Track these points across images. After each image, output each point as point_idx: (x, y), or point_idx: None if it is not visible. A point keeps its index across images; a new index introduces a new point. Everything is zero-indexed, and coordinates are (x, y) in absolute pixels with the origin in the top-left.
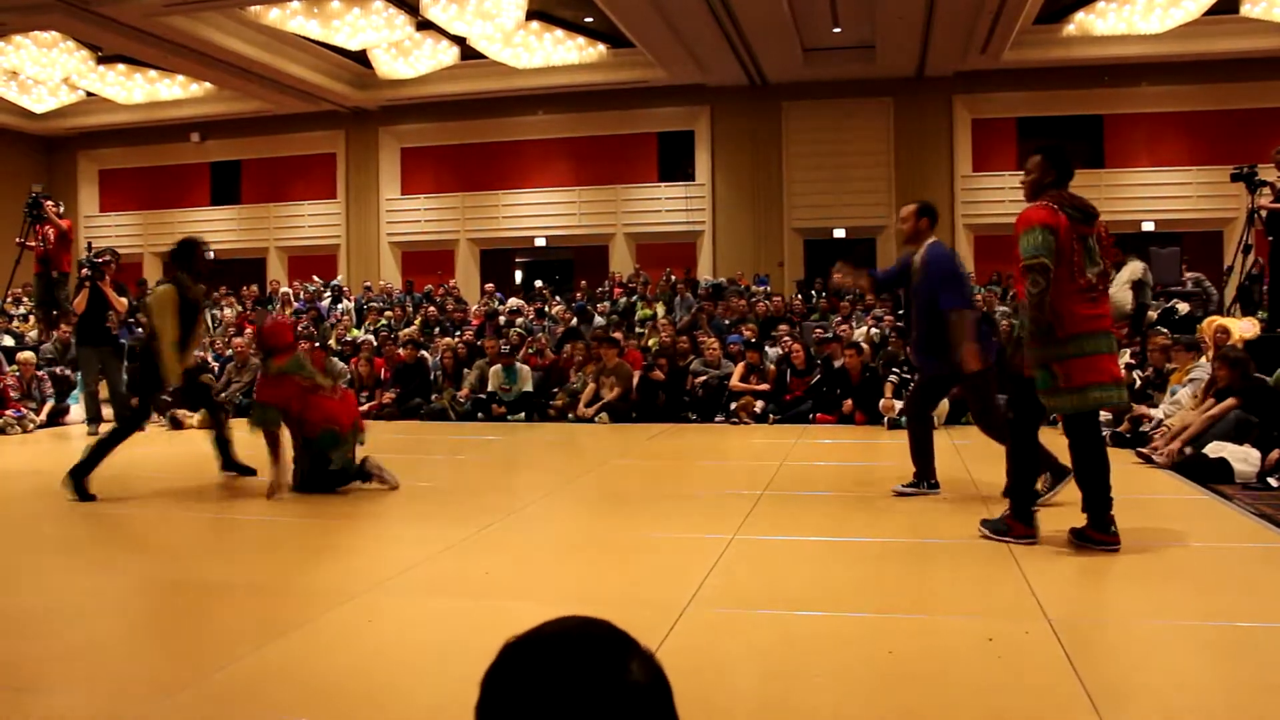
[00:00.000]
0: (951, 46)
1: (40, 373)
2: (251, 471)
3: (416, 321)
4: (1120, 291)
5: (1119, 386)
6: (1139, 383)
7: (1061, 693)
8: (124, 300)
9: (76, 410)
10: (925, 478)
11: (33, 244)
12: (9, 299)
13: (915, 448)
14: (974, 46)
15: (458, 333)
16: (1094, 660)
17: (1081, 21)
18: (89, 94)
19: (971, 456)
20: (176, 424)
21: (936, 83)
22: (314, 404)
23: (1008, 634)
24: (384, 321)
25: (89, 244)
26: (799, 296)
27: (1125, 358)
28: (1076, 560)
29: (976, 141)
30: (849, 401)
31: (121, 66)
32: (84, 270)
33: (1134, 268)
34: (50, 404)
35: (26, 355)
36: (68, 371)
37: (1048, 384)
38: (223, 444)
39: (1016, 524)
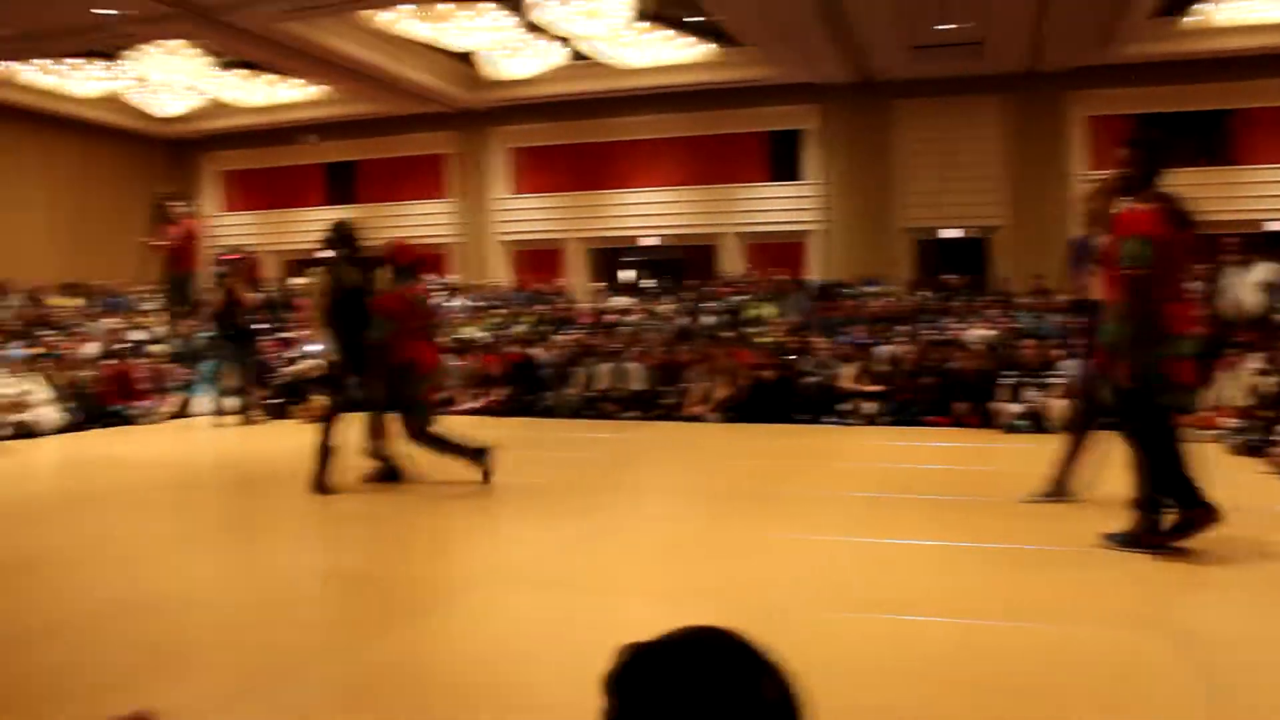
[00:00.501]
0: (1065, 41)
1: (169, 366)
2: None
3: (528, 320)
4: (1249, 294)
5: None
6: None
7: (1188, 711)
8: (256, 296)
9: (198, 403)
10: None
11: (160, 243)
12: (140, 295)
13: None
14: (1089, 41)
15: (568, 331)
16: (1224, 678)
17: (1203, 12)
18: (212, 99)
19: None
20: (280, 414)
21: (1050, 78)
22: (416, 339)
23: (1131, 647)
24: (495, 320)
25: (223, 243)
26: (912, 296)
27: (1255, 363)
28: (1205, 572)
29: (1093, 139)
30: (962, 404)
31: (243, 71)
32: (220, 269)
33: (1265, 269)
34: (177, 396)
35: (157, 349)
36: (193, 365)
37: (1163, 383)
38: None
39: (1147, 535)
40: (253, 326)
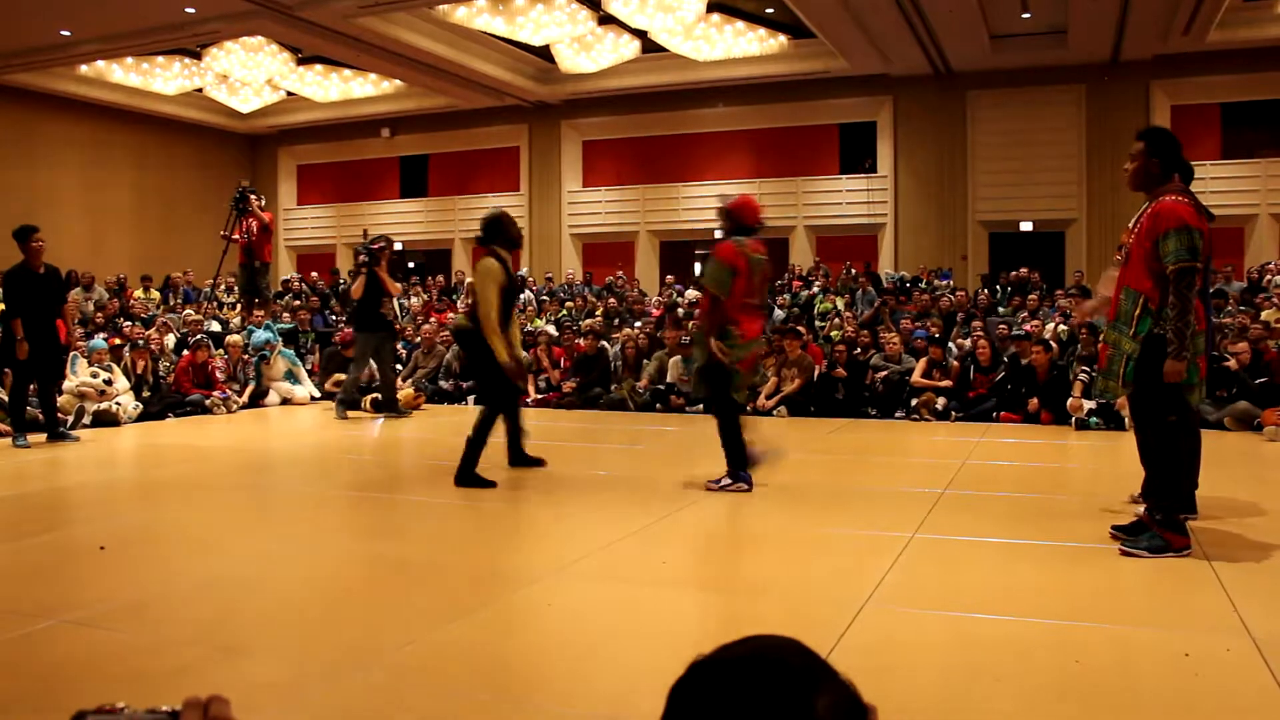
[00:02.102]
0: (1150, 28)
1: (246, 355)
2: (540, 463)
3: (598, 313)
4: None
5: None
6: None
7: (1266, 715)
8: (399, 285)
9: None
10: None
11: (236, 236)
12: (219, 287)
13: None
14: (1175, 28)
15: (638, 324)
16: None
17: None
18: (289, 93)
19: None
20: (353, 405)
21: (1133, 67)
22: (743, 302)
23: (1207, 650)
24: (565, 312)
25: (364, 231)
26: (984, 291)
27: None
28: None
29: (1176, 129)
30: (1035, 400)
31: (319, 67)
32: (361, 257)
33: None
34: (252, 386)
35: (235, 339)
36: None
37: (1192, 380)
38: (515, 435)
39: (1174, 535)
40: (319, 319)
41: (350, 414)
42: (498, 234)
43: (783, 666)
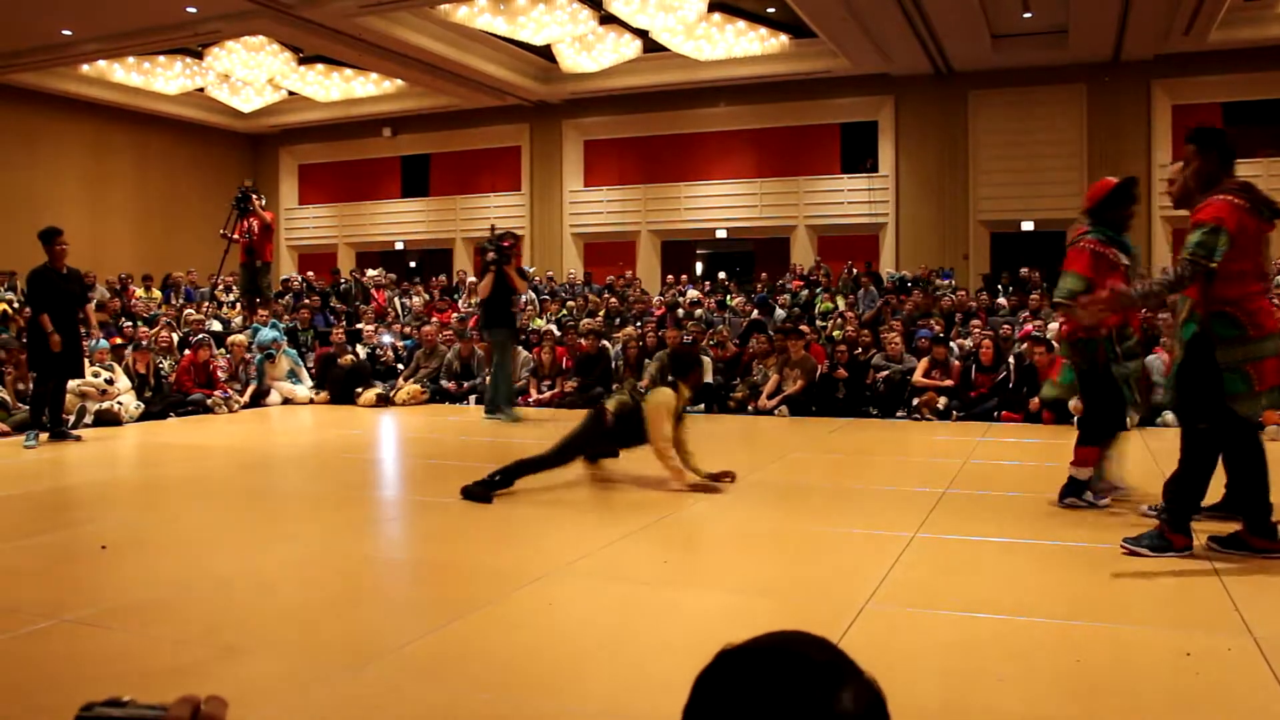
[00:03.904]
0: (1151, 28)
1: (247, 356)
2: (613, 454)
3: (600, 314)
4: None
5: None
6: None
7: (1268, 714)
8: (525, 283)
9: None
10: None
11: (237, 236)
12: (220, 286)
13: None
14: (1176, 27)
15: (639, 324)
16: None
17: None
18: (290, 93)
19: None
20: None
21: (1134, 67)
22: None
23: (1208, 649)
24: (565, 311)
25: (492, 226)
26: (984, 291)
27: None
28: None
29: (1177, 128)
30: (1036, 400)
31: (320, 66)
32: (490, 255)
33: None
34: (254, 385)
35: (238, 339)
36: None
37: (1241, 388)
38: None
39: (1178, 535)
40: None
41: (491, 417)
42: (689, 368)
43: (808, 659)
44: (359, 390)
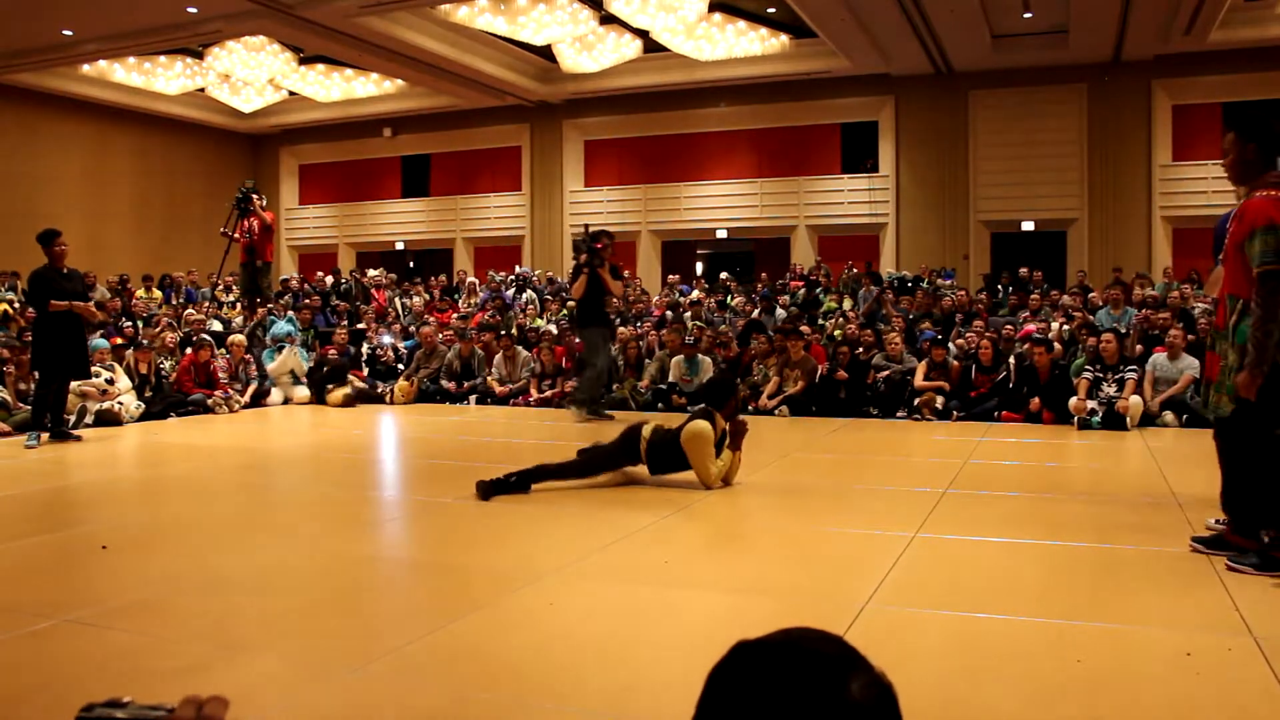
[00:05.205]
0: (1152, 28)
1: (247, 355)
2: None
3: None
4: None
5: None
6: None
7: (1267, 714)
8: (619, 284)
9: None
10: None
11: (238, 236)
12: (220, 287)
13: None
14: (1177, 27)
15: (640, 324)
16: None
17: None
18: (291, 93)
19: (1166, 460)
20: (594, 403)
21: (1134, 67)
22: None
23: (1208, 649)
24: (565, 311)
25: (586, 226)
26: (984, 291)
27: None
28: None
29: (1177, 128)
30: (1037, 400)
31: (321, 66)
32: (582, 256)
33: None
34: (254, 386)
35: (238, 339)
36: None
37: None
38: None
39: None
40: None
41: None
42: (726, 395)
43: (819, 652)
44: (330, 387)
